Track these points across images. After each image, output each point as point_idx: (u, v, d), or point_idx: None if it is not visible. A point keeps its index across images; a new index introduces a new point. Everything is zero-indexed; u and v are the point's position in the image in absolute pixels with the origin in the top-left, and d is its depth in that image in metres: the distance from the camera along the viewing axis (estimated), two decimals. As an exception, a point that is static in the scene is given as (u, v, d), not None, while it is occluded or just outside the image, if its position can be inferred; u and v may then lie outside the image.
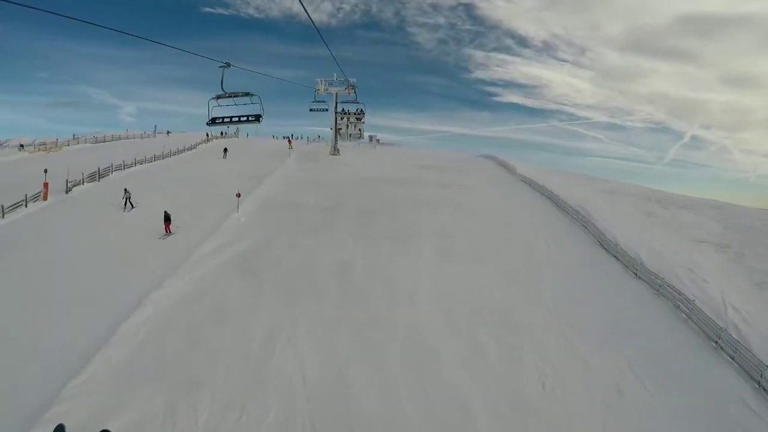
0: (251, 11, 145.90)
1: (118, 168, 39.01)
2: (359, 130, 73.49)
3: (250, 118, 17.25)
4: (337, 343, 17.00)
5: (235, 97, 16.73)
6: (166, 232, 26.27)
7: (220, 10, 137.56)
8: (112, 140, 61.67)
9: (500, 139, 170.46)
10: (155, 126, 79.60)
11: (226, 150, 52.87)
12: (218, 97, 16.63)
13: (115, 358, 15.11)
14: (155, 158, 45.75)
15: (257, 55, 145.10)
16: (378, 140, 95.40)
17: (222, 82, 16.56)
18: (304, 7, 14.36)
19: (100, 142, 59.83)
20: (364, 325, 18.17)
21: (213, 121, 17.64)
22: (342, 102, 63.97)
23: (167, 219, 26.39)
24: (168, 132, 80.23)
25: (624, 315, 20.77)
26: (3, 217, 26.16)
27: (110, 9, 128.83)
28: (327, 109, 59.46)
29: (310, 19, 16.78)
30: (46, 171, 30.36)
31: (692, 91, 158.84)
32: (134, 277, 20.48)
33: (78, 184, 33.06)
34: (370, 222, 29.80)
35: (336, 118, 59.62)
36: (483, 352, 17.31)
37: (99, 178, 35.57)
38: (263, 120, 17.12)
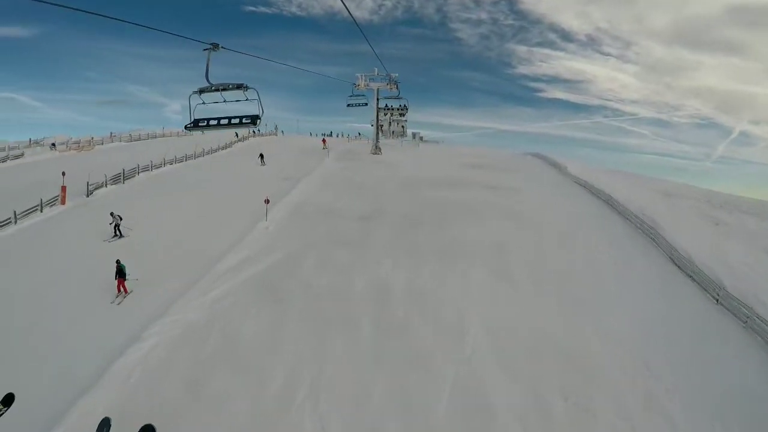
0: (294, 9, 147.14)
1: (146, 169, 36.81)
2: (402, 127, 70.55)
3: (244, 120, 12.25)
4: (370, 393, 13.66)
5: (224, 90, 12.07)
6: (119, 291, 19.06)
7: (263, 9, 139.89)
8: (147, 138, 60.13)
9: (544, 135, 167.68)
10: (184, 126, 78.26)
11: (262, 156, 47.42)
12: (201, 91, 12.13)
13: (99, 408, 12.22)
14: (186, 158, 43.53)
15: (300, 53, 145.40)
16: (421, 137, 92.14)
17: (207, 70, 11.98)
18: (345, 5, 13.39)
19: (135, 140, 58.41)
20: (404, 368, 14.73)
21: (195, 124, 12.70)
22: (384, 98, 61.38)
23: (120, 274, 19.04)
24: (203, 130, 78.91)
25: (709, 354, 16.58)
26: (15, 223, 23.98)
27: (153, 9, 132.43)
28: (366, 104, 56.22)
29: (351, 14, 15.19)
30: (63, 174, 28.23)
31: (740, 85, 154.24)
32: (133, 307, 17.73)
33: (100, 186, 30.86)
34: (412, 233, 26.33)
35: (378, 115, 56.36)
36: (547, 405, 13.64)
37: (123, 180, 33.38)
38: (261, 121, 12.13)
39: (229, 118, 11.98)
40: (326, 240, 24.71)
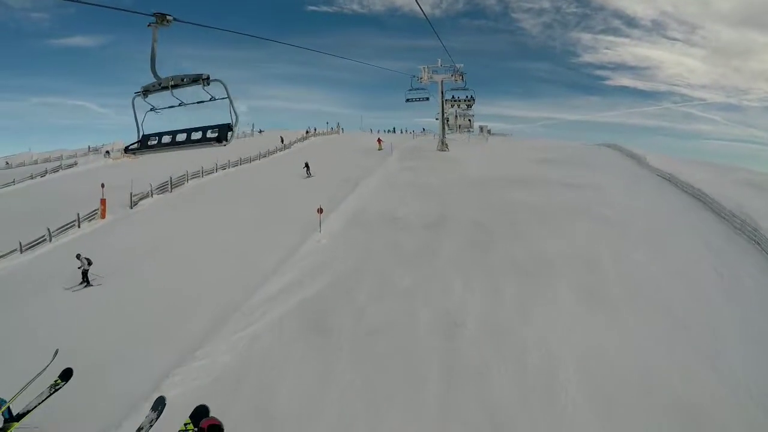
0: (354, 7, 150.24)
1: (196, 175, 35.02)
2: (469, 120, 68.26)
3: (209, 134, 7.62)
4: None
5: (174, 87, 7.67)
6: None
7: (324, 8, 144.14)
8: None
9: (612, 124, 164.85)
10: (252, 125, 78.79)
11: (308, 166, 40.67)
12: (146, 92, 7.87)
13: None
14: (241, 161, 41.65)
15: (362, 48, 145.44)
16: (489, 130, 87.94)
17: (153, 57, 7.78)
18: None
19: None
20: (481, 436, 11.42)
21: (143, 144, 8.10)
22: (450, 89, 58.69)
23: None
24: (260, 131, 78.66)
25: None
26: (50, 241, 22.26)
27: (219, 11, 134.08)
28: (427, 98, 52.97)
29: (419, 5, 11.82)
30: (103, 186, 26.60)
31: None
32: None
33: (146, 196, 29.13)
34: (485, 244, 22.57)
35: (443, 109, 52.72)
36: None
37: (171, 189, 31.62)
38: (234, 133, 7.62)
39: (188, 133, 7.57)
40: (387, 255, 21.52)
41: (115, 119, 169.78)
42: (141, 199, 28.63)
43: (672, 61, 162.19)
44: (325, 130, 74.70)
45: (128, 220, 26.65)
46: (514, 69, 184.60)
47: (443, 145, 51.06)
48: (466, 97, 60.78)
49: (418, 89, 52.59)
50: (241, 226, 25.06)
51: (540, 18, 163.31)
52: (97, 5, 7.75)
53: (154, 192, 30.18)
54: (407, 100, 54.22)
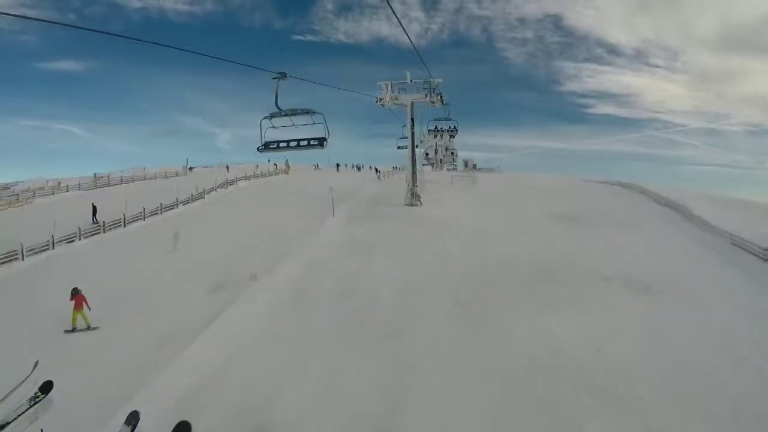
0: (340, 36, 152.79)
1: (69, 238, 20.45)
2: (452, 154, 63.46)
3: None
4: None
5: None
6: None
7: (310, 37, 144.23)
8: (121, 183, 49.95)
9: (596, 152, 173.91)
10: (187, 160, 69.07)
11: (176, 236, 26.57)
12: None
13: None
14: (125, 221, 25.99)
15: (347, 77, 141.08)
16: (475, 165, 74.04)
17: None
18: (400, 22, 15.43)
19: (106, 185, 48.36)
20: None
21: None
22: (432, 120, 56.10)
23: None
24: (191, 168, 68.22)
25: None
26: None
27: (205, 41, 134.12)
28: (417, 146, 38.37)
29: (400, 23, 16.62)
30: None
31: None
32: None
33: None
34: None
35: (413, 142, 36.65)
36: None
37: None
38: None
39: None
40: None
41: (100, 144, 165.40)
42: None
43: (654, 88, 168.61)
44: (280, 166, 65.83)
45: None
46: (498, 98, 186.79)
47: (414, 198, 34.90)
48: (450, 127, 57.10)
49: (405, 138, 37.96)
50: None
51: (523, 47, 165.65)
52: (215, 58, 11.79)
53: None
54: (399, 148, 39.88)
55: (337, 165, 75.36)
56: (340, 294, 18.22)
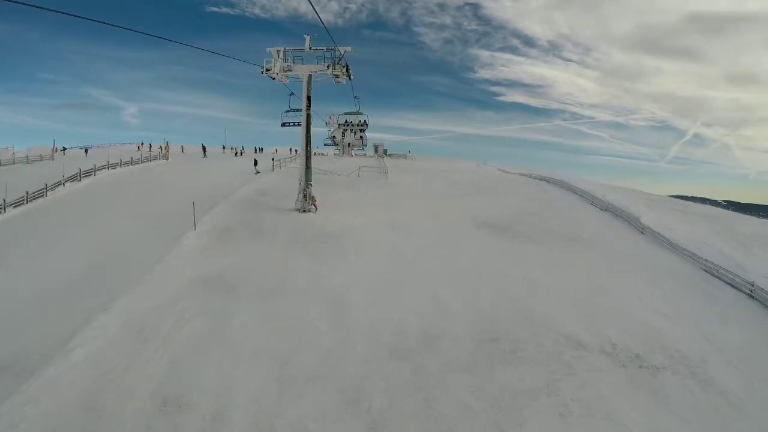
0: (257, 11, 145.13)
1: None
2: (360, 138, 63.12)
3: None
4: None
5: None
6: None
7: (226, 10, 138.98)
8: None
9: (506, 138, 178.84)
10: (54, 141, 61.92)
11: None
12: None
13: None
14: None
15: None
16: (386, 151, 68.10)
17: None
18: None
19: None
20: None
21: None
22: (343, 114, 58.27)
23: None
24: (63, 149, 57.47)
25: None
26: None
27: (113, 8, 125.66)
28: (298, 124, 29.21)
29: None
30: None
31: (696, 89, 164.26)
32: None
33: None
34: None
35: (309, 126, 28.20)
36: None
37: None
38: None
39: None
40: None
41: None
42: None
43: (565, 81, 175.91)
44: (159, 147, 56.32)
45: None
46: (414, 82, 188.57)
47: (306, 202, 26.53)
48: (360, 121, 58.43)
49: (297, 110, 29.49)
50: None
51: (441, 33, 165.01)
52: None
53: None
54: (283, 125, 30.88)
55: (204, 147, 63.00)
56: (160, 407, 10.01)
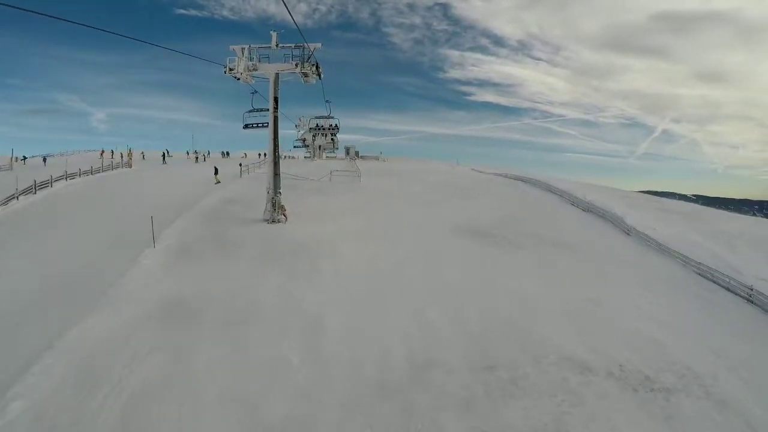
0: (225, 13, 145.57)
1: None
2: (332, 140, 62.67)
3: None
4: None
5: None
6: None
7: (194, 12, 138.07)
8: None
9: (477, 138, 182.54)
10: (12, 150, 55.01)
11: None
12: None
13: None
14: None
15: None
16: (357, 153, 67.64)
17: None
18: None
19: None
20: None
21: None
22: (314, 118, 58.03)
23: None
24: (24, 158, 55.06)
25: None
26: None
27: (81, 11, 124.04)
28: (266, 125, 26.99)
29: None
30: None
31: (665, 87, 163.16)
32: None
33: None
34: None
35: (276, 133, 26.23)
36: None
37: None
38: None
39: None
40: None
41: None
42: None
43: (535, 80, 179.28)
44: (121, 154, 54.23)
45: None
46: (384, 82, 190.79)
47: (276, 210, 24.82)
48: (331, 125, 57.57)
49: (262, 110, 27.02)
50: None
51: (411, 33, 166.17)
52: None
53: None
54: (246, 127, 27.58)
55: (164, 155, 61.69)
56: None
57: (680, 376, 12.14)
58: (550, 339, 13.38)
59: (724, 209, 40.32)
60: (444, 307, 15.04)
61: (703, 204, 43.66)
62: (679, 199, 46.62)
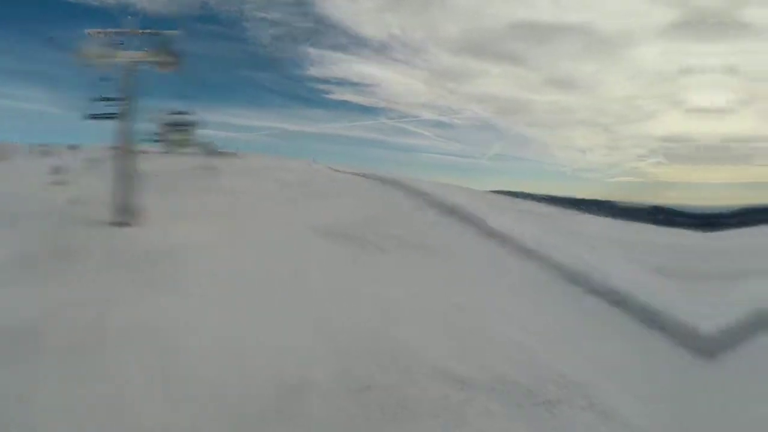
0: None
1: None
2: (188, 135, 61.08)
3: None
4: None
5: None
6: None
7: None
8: None
9: (335, 136, 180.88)
10: None
11: None
12: None
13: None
14: None
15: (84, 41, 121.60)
16: (215, 149, 68.06)
17: None
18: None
19: None
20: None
21: None
22: (170, 113, 54.72)
23: None
24: None
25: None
26: None
27: None
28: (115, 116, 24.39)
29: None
30: None
31: (519, 92, 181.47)
32: None
33: None
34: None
35: (127, 127, 23.96)
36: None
37: None
38: None
39: None
40: None
41: None
42: None
43: (393, 81, 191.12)
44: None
45: None
46: (243, 78, 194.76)
47: (126, 212, 22.35)
48: (188, 120, 56.83)
49: (110, 100, 24.01)
50: None
51: (271, 29, 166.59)
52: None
53: None
54: (92, 117, 23.91)
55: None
56: None
57: (560, 387, 11.33)
58: (421, 350, 12.80)
59: (575, 209, 42.38)
60: (311, 319, 14.21)
61: (554, 204, 45.89)
62: (531, 199, 50.47)
